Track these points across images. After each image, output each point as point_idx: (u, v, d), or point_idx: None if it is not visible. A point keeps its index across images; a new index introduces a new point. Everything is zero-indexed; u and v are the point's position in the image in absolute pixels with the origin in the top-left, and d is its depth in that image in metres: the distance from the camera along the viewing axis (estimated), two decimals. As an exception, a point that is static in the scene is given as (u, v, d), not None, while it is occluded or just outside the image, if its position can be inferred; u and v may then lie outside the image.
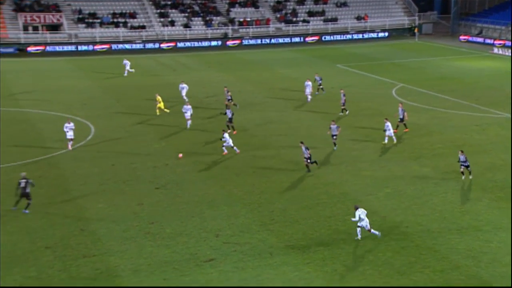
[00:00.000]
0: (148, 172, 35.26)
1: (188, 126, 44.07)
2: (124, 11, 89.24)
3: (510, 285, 22.94)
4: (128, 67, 64.48)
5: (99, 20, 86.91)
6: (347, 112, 47.55)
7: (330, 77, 61.58)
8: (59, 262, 24.71)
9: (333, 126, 39.09)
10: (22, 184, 29.27)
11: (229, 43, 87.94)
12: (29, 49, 79.18)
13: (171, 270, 24.39)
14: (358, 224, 26.58)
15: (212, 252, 25.83)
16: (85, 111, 46.83)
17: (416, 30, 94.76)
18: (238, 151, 38.22)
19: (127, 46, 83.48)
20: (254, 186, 33.34)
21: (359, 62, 73.22)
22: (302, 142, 35.40)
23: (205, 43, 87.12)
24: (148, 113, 47.80)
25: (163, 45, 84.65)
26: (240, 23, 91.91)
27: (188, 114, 44.00)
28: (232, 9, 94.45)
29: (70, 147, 39.07)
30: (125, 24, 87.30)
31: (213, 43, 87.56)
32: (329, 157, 37.90)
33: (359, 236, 26.62)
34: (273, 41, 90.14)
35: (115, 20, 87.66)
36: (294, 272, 24.30)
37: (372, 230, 26.67)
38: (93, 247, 26.17)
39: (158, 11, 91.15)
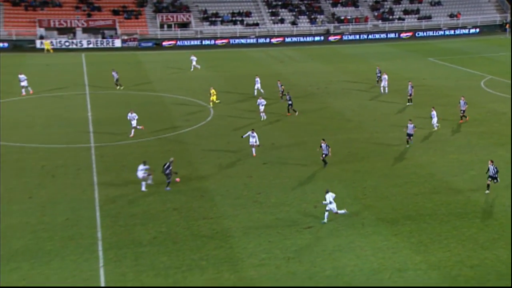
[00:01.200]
0: (257, 149, 35.71)
1: (263, 118, 42.01)
2: (241, 11, 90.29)
3: (510, 285, 20.95)
4: (194, 63, 62.35)
5: (220, 19, 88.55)
6: (408, 104, 45.62)
7: (422, 70, 59.23)
8: (184, 222, 25.68)
9: (410, 125, 35.52)
10: (167, 165, 29.38)
11: (331, 38, 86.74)
12: (164, 43, 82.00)
13: (275, 234, 24.67)
14: (326, 208, 25.35)
15: (310, 220, 25.86)
16: (207, 96, 47.99)
17: (507, 26, 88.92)
18: None
19: (243, 40, 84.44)
20: (348, 165, 32.92)
21: (449, 56, 69.92)
22: (323, 140, 32.61)
23: (309, 38, 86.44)
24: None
25: (273, 40, 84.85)
26: (341, 21, 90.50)
27: (262, 107, 42.31)
28: (334, 8, 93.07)
29: (132, 134, 37.83)
30: (241, 22, 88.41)
31: (316, 38, 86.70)
32: (419, 141, 36.65)
33: (326, 220, 25.42)
34: (370, 36, 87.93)
35: (234, 18, 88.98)
36: (383, 241, 23.87)
37: (339, 211, 25.47)
38: (210, 210, 26.96)
39: (270, 10, 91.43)
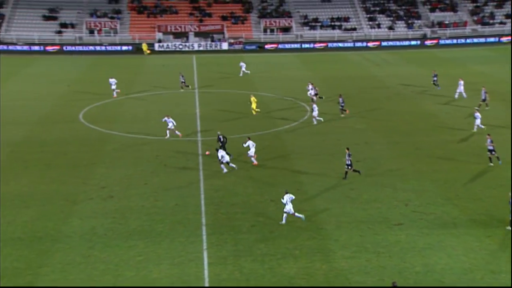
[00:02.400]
0: (350, 148, 35.02)
1: (315, 122, 40.43)
2: (340, 16, 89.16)
3: (510, 285, 19.63)
4: (244, 69, 60.71)
5: (319, 24, 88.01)
6: (486, 108, 42.55)
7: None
8: (280, 213, 25.79)
9: (489, 140, 31.27)
10: (220, 139, 31.81)
11: (427, 42, 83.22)
12: (266, 46, 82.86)
13: (366, 229, 24.19)
14: (284, 210, 24.29)
15: (401, 218, 25.08)
16: (303, 96, 47.83)
17: None
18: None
19: (340, 44, 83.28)
20: (441, 165, 31.52)
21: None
22: (347, 148, 30.52)
23: (405, 43, 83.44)
24: (354, 101, 47.32)
25: (370, 44, 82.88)
26: (439, 25, 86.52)
27: (315, 112, 40.82)
28: (432, 13, 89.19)
29: (168, 135, 36.88)
30: (339, 27, 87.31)
31: (413, 42, 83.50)
32: (514, 145, 34.31)
33: (284, 221, 24.43)
34: (468, 41, 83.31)
35: (332, 23, 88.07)
36: (475, 242, 22.65)
37: (296, 214, 24.41)
38: (305, 204, 26.91)
39: (368, 15, 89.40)
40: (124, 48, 79.81)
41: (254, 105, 43.19)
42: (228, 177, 30.39)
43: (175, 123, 36.97)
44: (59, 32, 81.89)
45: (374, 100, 46.56)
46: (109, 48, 79.43)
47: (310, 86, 47.90)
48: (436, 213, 25.43)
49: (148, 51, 76.70)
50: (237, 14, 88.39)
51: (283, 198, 24.76)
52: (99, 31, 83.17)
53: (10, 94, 48.81)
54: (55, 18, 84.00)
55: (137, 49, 79.51)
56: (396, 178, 29.92)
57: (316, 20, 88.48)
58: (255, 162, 31.92)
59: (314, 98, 46.22)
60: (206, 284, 20.34)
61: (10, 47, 77.20)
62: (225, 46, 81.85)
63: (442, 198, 27.02)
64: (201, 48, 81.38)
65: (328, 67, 65.99)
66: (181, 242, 23.21)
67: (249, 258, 21.96)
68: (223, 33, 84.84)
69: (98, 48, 79.03)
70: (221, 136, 32.97)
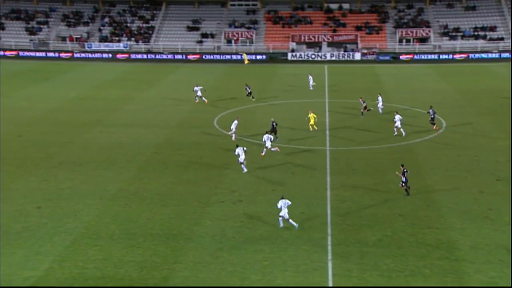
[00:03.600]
0: (490, 165, 32.75)
1: (396, 133, 39.55)
2: (485, 25, 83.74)
3: (510, 285, 18.66)
4: (311, 82, 58.27)
5: (461, 34, 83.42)
6: None
7: None
8: (409, 228, 24.87)
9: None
10: (273, 124, 36.88)
11: None
12: (401, 57, 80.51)
13: (506, 253, 22.29)
14: (280, 214, 24.79)
15: None
16: (440, 109, 45.58)
17: None
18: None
19: (483, 55, 78.15)
20: None
21: None
22: (402, 165, 29.00)
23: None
24: (495, 116, 44.05)
25: (519, 55, 76.79)
26: None
27: (398, 123, 39.30)
28: None
29: (234, 138, 38.48)
30: (484, 37, 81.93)
31: None
32: None
33: (281, 225, 25.04)
34: None
35: (476, 33, 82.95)
36: None
37: (290, 220, 24.74)
38: (436, 221, 25.60)
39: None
40: (259, 57, 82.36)
41: (312, 121, 41.19)
42: (355, 188, 29.91)
43: (236, 123, 38.53)
44: (200, 41, 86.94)
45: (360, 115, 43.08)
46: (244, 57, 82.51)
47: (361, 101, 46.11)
48: None
49: (248, 61, 78.48)
50: (372, 24, 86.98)
51: (278, 203, 25.16)
52: (236, 40, 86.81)
53: (154, 99, 52.73)
54: (197, 29, 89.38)
55: (271, 58, 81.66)
56: (543, 201, 27.27)
57: (457, 29, 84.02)
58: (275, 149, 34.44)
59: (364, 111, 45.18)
60: (330, 295, 20.18)
61: (157, 56, 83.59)
62: (357, 56, 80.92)
63: None
64: (333, 58, 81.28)
65: (467, 79, 62.31)
66: (306, 250, 23.27)
67: (374, 272, 21.37)
68: (356, 43, 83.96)
69: (234, 57, 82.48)
70: (274, 123, 38.16)
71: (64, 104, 51.60)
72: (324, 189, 30.13)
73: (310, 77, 58.84)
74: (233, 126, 38.60)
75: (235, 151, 32.61)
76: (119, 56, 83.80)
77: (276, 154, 35.53)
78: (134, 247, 23.54)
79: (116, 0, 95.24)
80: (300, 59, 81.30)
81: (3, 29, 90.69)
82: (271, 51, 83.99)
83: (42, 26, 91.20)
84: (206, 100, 50.69)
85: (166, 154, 36.46)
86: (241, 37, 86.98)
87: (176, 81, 65.27)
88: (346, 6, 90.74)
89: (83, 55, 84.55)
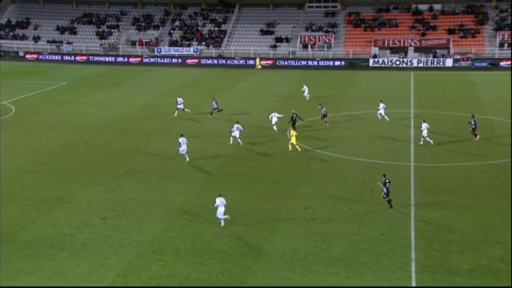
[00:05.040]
0: None
1: (422, 142, 40.11)
2: None
3: (510, 285, 15.78)
4: (306, 92, 56.65)
5: None
6: None
7: None
8: (508, 258, 23.54)
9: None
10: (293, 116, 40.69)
11: None
12: (501, 63, 77.25)
13: None
14: (217, 214, 26.93)
15: None
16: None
17: None
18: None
19: None
20: None
21: None
22: (384, 175, 29.70)
23: None
24: None
25: None
26: None
27: (424, 132, 40.08)
28: None
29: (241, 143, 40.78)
30: None
31: None
32: None
33: (222, 224, 27.09)
34: None
35: None
36: None
37: (222, 216, 27.04)
38: (540, 251, 24.13)
39: None
40: (337, 63, 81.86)
41: (293, 140, 39.13)
42: (444, 209, 28.82)
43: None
44: (274, 46, 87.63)
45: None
46: (321, 63, 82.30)
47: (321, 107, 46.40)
48: None
49: (260, 67, 77.22)
50: (467, 27, 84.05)
51: (215, 202, 27.10)
52: (313, 45, 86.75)
53: (224, 107, 53.57)
54: (271, 33, 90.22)
55: (350, 65, 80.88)
56: None
57: None
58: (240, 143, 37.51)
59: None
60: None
61: (228, 61, 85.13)
62: (449, 62, 78.52)
63: None
64: (420, 65, 79.34)
65: None
66: (386, 276, 22.63)
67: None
68: (448, 48, 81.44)
69: (310, 63, 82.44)
70: (294, 115, 42.79)
71: (131, 110, 53.58)
72: (407, 208, 29.27)
73: (305, 87, 57.97)
74: (274, 119, 43.59)
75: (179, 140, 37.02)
76: (188, 61, 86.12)
77: (353, 168, 34.95)
78: (200, 264, 23.87)
79: (187, 2, 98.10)
80: (383, 65, 79.97)
81: (75, 33, 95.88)
82: (350, 56, 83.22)
83: (112, 30, 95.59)
84: (189, 111, 51.12)
85: (235, 165, 36.85)
86: (319, 41, 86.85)
87: (248, 88, 66.08)
88: (437, 7, 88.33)
89: (152, 60, 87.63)
